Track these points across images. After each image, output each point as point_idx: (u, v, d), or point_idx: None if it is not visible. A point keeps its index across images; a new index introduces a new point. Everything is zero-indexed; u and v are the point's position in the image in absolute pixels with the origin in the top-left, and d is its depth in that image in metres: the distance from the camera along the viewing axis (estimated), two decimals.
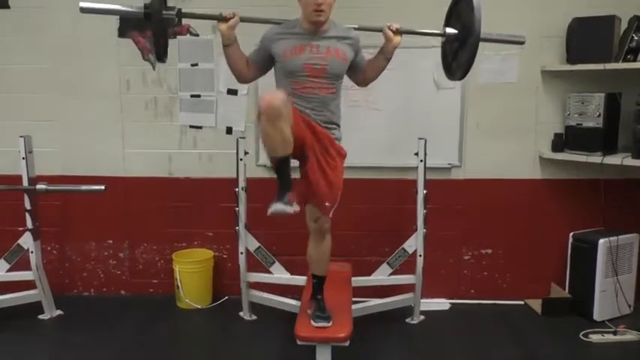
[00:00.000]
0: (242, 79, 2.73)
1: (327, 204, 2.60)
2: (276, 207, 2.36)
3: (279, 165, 2.44)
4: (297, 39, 2.55)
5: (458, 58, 2.67)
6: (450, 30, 2.66)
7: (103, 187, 3.45)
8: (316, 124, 2.58)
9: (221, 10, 2.55)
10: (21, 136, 3.46)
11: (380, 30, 2.64)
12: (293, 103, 2.50)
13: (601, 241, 3.53)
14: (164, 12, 2.45)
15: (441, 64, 2.90)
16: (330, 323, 2.66)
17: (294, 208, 2.39)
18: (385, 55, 2.67)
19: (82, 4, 2.44)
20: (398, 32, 2.62)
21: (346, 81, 3.80)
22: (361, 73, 2.76)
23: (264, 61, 2.64)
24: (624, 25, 3.47)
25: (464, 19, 2.59)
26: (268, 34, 2.61)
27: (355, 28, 2.68)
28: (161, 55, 2.53)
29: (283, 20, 2.64)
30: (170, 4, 2.60)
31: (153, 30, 2.45)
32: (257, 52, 2.65)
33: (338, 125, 2.69)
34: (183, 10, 2.57)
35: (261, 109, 2.29)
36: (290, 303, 3.55)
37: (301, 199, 2.57)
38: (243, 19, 2.56)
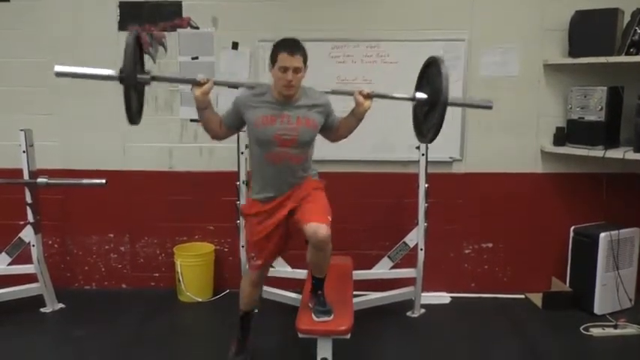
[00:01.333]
0: (215, 137, 2.80)
1: (329, 217, 2.65)
2: None
3: (245, 316, 2.97)
4: (268, 108, 2.60)
5: (428, 120, 2.72)
6: (419, 95, 2.72)
7: (103, 181, 3.44)
8: (287, 199, 2.69)
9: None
10: (21, 130, 3.46)
11: (351, 94, 2.68)
12: (263, 197, 2.70)
13: (602, 235, 3.53)
14: (138, 76, 2.47)
15: (412, 125, 2.92)
16: (332, 317, 2.69)
17: None
18: (356, 117, 2.72)
19: (57, 69, 2.48)
20: (369, 97, 2.67)
21: (345, 74, 3.82)
22: (333, 132, 2.81)
23: (237, 123, 2.72)
24: (627, 19, 3.45)
25: (433, 84, 2.65)
26: (241, 99, 2.67)
27: (327, 92, 2.73)
28: (134, 119, 2.54)
29: (256, 84, 2.71)
30: None
31: (125, 94, 2.44)
32: (230, 115, 2.71)
33: (308, 174, 2.76)
34: (155, 74, 2.63)
35: (250, 273, 2.84)
36: (291, 296, 3.55)
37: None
38: (217, 83, 2.61)
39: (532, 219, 3.87)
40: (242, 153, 3.48)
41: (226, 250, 3.98)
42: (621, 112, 3.53)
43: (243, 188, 3.51)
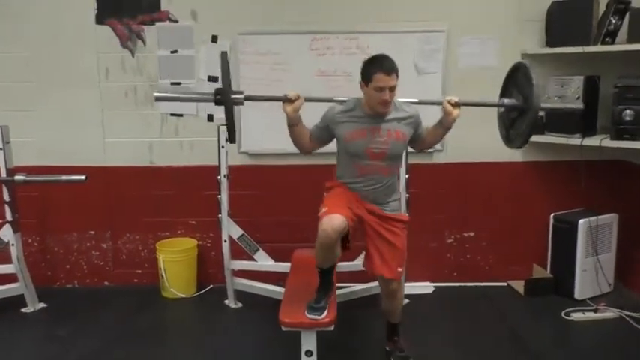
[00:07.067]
0: (303, 152, 2.81)
1: (399, 269, 2.73)
2: (310, 315, 2.64)
3: (325, 271, 2.74)
4: (359, 122, 2.61)
5: (516, 127, 2.75)
6: (508, 101, 2.74)
7: (83, 177, 3.40)
8: (372, 205, 2.69)
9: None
10: None
11: (440, 104, 2.69)
12: (349, 187, 2.69)
13: (581, 221, 3.59)
14: (233, 96, 2.57)
15: (498, 130, 2.95)
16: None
17: (323, 316, 2.64)
18: (445, 126, 2.70)
19: (156, 95, 2.75)
20: (457, 105, 2.65)
21: (325, 67, 3.80)
22: (421, 142, 2.82)
23: (326, 138, 2.73)
24: (602, 9, 3.49)
25: (522, 91, 2.67)
26: (330, 114, 2.67)
27: (414, 103, 2.74)
28: (233, 138, 2.69)
29: (343, 100, 2.69)
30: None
31: (226, 114, 2.57)
32: (319, 130, 2.72)
33: (396, 199, 2.79)
34: (247, 94, 2.67)
35: (321, 237, 2.51)
36: (274, 290, 3.55)
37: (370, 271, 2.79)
38: (307, 99, 2.61)
39: (513, 207, 3.91)
40: (222, 147, 3.47)
41: (209, 244, 3.97)
42: (598, 101, 3.57)
43: (224, 182, 3.50)
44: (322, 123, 2.70)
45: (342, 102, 2.69)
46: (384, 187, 2.69)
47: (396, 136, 2.62)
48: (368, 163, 2.62)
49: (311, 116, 2.70)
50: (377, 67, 2.50)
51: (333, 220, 2.49)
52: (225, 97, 2.52)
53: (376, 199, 2.69)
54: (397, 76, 2.52)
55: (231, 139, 2.69)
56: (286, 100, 2.58)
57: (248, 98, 2.65)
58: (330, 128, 2.67)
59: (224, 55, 2.58)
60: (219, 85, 3.76)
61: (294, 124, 2.64)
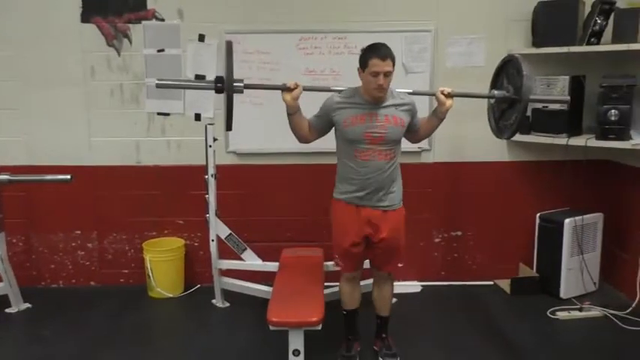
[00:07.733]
0: (303, 141, 2.85)
1: (399, 265, 2.93)
2: None
3: (350, 315, 2.98)
4: (357, 108, 2.68)
5: (505, 117, 2.80)
6: (498, 93, 2.79)
7: (68, 177, 3.36)
8: (371, 207, 2.75)
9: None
10: None
11: (433, 94, 2.77)
12: (350, 187, 2.76)
13: (566, 220, 3.61)
14: (234, 85, 2.60)
15: (487, 120, 3.00)
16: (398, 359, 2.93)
17: None
18: (438, 116, 2.77)
19: (158, 83, 2.70)
20: (450, 96, 2.72)
21: (313, 66, 3.80)
22: (415, 133, 2.89)
23: (325, 127, 2.79)
24: (588, 9, 3.52)
25: (512, 83, 2.73)
26: (329, 102, 2.74)
27: (410, 93, 2.82)
28: (230, 125, 2.71)
29: (341, 89, 2.76)
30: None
31: (227, 103, 2.63)
32: (318, 119, 2.79)
33: (397, 189, 2.82)
34: (247, 82, 2.69)
35: (341, 292, 2.91)
36: (262, 289, 3.54)
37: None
38: (306, 89, 2.68)
39: (500, 207, 3.93)
40: (210, 146, 3.45)
41: (196, 244, 3.95)
42: (583, 101, 3.60)
43: (212, 182, 3.48)
44: (321, 112, 2.77)
45: (339, 91, 2.76)
46: (385, 175, 2.73)
47: (394, 121, 2.69)
48: (367, 148, 2.67)
49: (306, 109, 2.76)
50: (373, 53, 2.59)
51: (349, 279, 2.90)
52: (226, 86, 2.55)
53: (378, 189, 2.72)
54: (393, 63, 2.60)
55: (228, 126, 2.70)
56: (285, 89, 2.64)
57: (248, 86, 2.69)
58: (328, 117, 2.73)
59: (229, 44, 2.62)
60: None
61: (293, 113, 2.69)
